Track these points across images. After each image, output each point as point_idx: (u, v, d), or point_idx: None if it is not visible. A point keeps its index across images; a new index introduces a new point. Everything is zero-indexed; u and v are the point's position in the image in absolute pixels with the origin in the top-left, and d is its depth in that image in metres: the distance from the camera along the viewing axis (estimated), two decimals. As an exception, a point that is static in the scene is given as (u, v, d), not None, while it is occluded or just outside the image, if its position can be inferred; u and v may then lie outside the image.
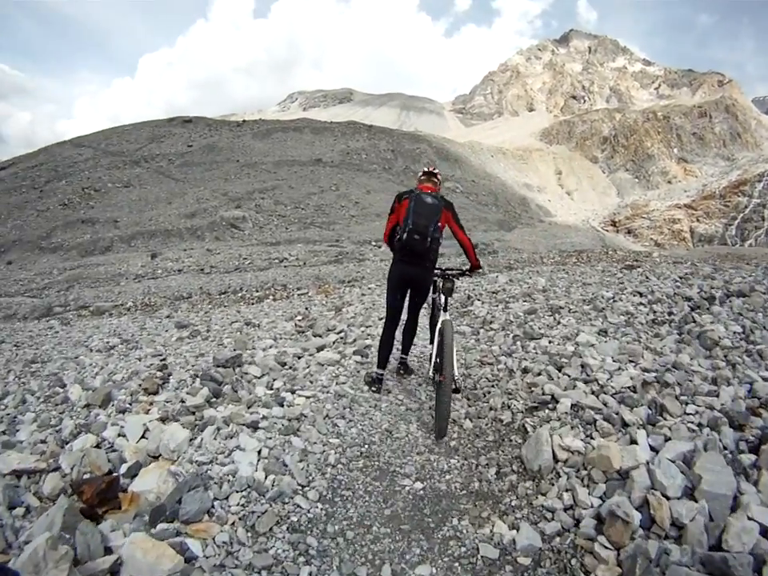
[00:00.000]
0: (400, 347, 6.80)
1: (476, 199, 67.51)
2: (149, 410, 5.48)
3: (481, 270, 7.07)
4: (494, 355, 7.15)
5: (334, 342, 8.13)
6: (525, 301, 10.40)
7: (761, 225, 78.21)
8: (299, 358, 7.23)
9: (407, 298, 6.07)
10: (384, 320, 6.25)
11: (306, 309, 12.54)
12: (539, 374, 5.99)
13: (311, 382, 6.19)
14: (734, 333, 6.72)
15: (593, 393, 5.29)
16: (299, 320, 10.44)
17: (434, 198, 5.62)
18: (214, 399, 5.68)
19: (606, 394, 5.20)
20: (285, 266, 26.63)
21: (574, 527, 3.63)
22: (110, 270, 28.47)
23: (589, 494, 3.81)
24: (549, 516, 3.83)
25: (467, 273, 6.25)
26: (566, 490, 3.95)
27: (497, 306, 10.33)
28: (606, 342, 6.87)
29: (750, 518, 3.09)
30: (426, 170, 6.26)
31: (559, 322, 8.28)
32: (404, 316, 6.30)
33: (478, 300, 11.12)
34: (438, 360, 5.42)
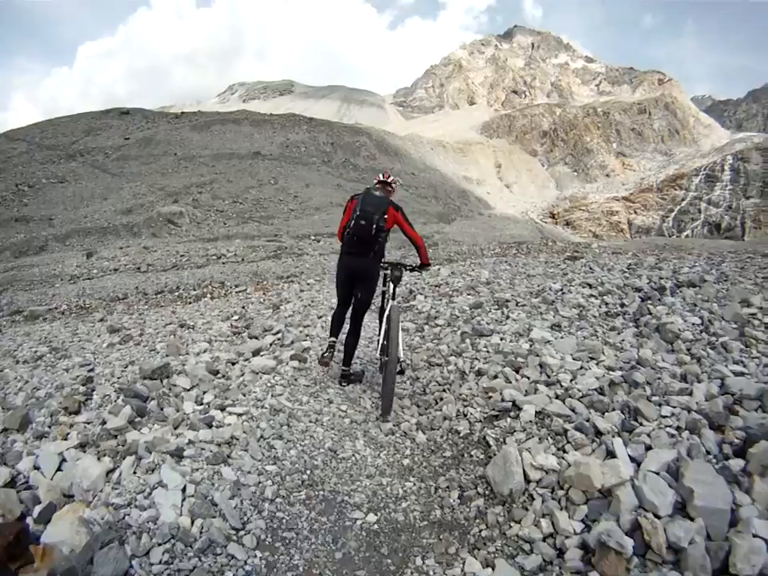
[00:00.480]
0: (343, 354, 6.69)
1: (416, 192, 67.49)
2: (67, 434, 5.00)
3: (430, 268, 6.73)
4: (443, 355, 6.80)
5: (270, 344, 7.65)
6: (469, 294, 10.04)
7: (697, 217, 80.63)
8: (233, 364, 6.75)
9: (352, 297, 6.36)
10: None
11: (243, 308, 12.07)
12: (495, 377, 5.58)
13: (244, 395, 5.65)
14: (693, 324, 6.52)
15: (557, 397, 4.90)
16: (235, 320, 10.08)
17: (382, 194, 6.09)
18: (139, 419, 5.14)
19: (572, 397, 4.81)
20: (223, 263, 25.98)
21: (557, 559, 3.21)
22: (44, 270, 27.36)
23: (569, 517, 3.42)
24: (527, 548, 3.38)
25: (416, 269, 6.53)
26: (543, 515, 3.53)
27: (440, 300, 9.93)
28: (562, 338, 6.53)
29: (755, 536, 2.78)
30: (380, 177, 6.54)
31: (508, 317, 7.86)
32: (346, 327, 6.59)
33: (420, 294, 10.76)
34: (384, 342, 5.92)
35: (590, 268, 11.84)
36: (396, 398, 5.90)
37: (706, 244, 36.35)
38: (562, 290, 9.17)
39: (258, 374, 6.29)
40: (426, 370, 6.59)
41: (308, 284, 14.97)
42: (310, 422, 5.34)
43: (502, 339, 6.80)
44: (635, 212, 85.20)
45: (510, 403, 4.89)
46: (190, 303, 14.95)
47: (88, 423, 5.15)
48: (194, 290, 18.43)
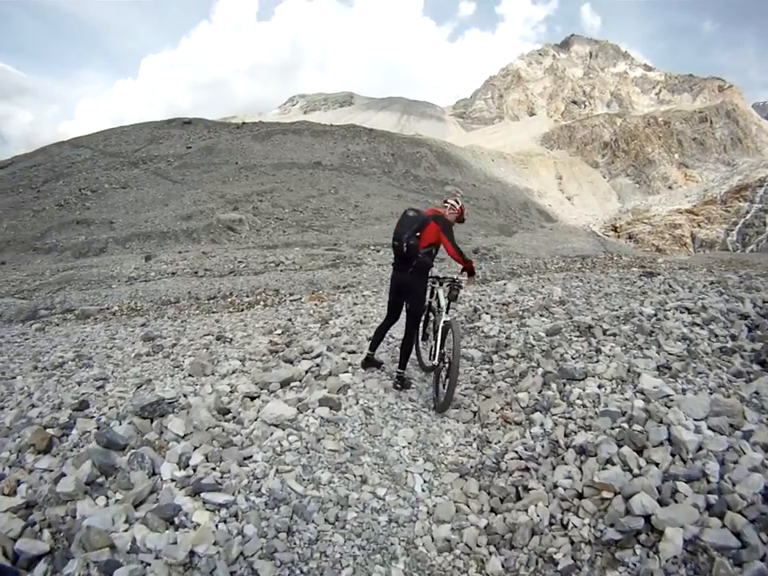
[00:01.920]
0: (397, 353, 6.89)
1: (476, 203, 66.89)
2: (14, 490, 4.32)
3: (478, 277, 6.71)
4: (522, 407, 5.73)
5: (306, 372, 6.81)
6: (542, 315, 8.96)
7: (762, 230, 77.64)
8: (252, 399, 5.96)
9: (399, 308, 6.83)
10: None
11: (290, 320, 11.53)
12: (609, 462, 4.23)
13: (240, 465, 4.52)
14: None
15: (709, 509, 3.57)
16: (278, 334, 9.60)
17: (417, 212, 6.47)
18: (102, 479, 4.30)
19: (732, 510, 3.48)
20: (281, 270, 26.00)
21: None
22: (102, 272, 28.00)
23: None
24: None
25: (459, 279, 6.76)
26: None
27: (510, 322, 8.87)
28: (683, 390, 5.28)
29: None
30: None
31: (599, 350, 6.63)
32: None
33: (486, 313, 9.73)
34: (441, 351, 6.27)
35: (670, 286, 10.88)
36: (458, 471, 5.07)
37: (773, 259, 35.20)
38: (656, 315, 7.79)
39: (270, 425, 5.24)
40: (500, 430, 5.56)
41: (363, 296, 14.48)
42: (327, 522, 4.10)
43: (601, 388, 5.59)
44: (699, 225, 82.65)
45: (642, 519, 3.58)
46: (242, 310, 14.80)
47: (44, 475, 4.50)
48: (248, 296, 18.45)
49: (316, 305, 13.41)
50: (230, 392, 6.21)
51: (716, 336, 6.79)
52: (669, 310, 7.99)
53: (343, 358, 7.32)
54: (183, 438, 4.99)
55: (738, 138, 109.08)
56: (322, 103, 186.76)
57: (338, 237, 39.69)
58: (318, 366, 6.99)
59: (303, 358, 7.42)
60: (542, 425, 5.22)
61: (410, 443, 5.48)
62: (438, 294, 6.79)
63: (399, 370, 6.67)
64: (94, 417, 5.85)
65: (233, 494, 4.08)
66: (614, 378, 5.74)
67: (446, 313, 6.49)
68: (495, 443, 5.35)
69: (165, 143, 66.17)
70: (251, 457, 4.67)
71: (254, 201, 48.06)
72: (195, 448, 4.76)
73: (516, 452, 4.95)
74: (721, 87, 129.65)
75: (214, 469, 4.46)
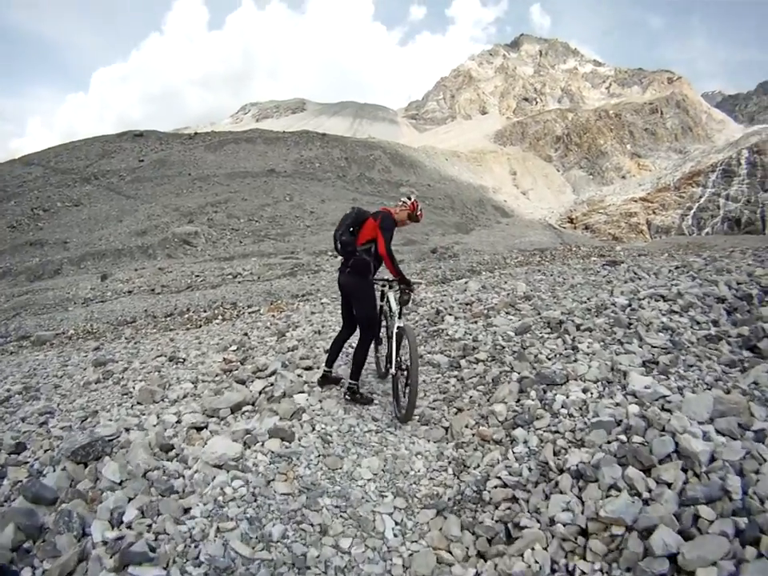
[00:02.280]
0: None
1: (432, 203, 66.88)
2: None
3: (419, 286, 6.35)
4: (500, 421, 5.11)
5: (260, 393, 6.31)
6: (509, 313, 8.51)
7: (716, 213, 79.32)
8: (198, 430, 5.38)
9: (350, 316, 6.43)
10: None
11: (246, 334, 11.01)
12: (613, 488, 3.62)
13: (177, 522, 3.84)
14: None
15: (739, 535, 3.00)
16: (233, 350, 9.16)
17: (355, 209, 6.20)
18: (29, 544, 3.76)
19: (766, 534, 2.94)
20: (238, 282, 25.48)
21: None
22: (58, 294, 27.27)
23: None
24: None
25: (393, 282, 6.38)
26: None
27: (475, 322, 8.34)
28: (679, 389, 4.79)
29: None
30: None
31: (576, 348, 6.15)
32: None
33: (450, 314, 9.15)
34: (399, 358, 5.81)
35: (635, 273, 10.56)
36: (434, 507, 4.39)
37: (728, 240, 35.67)
38: (630, 305, 7.34)
39: (213, 467, 4.50)
40: (478, 450, 4.87)
41: (321, 303, 13.97)
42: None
43: (586, 392, 5.02)
44: (654, 212, 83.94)
45: (667, 561, 2.98)
46: (199, 326, 14.31)
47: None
48: (205, 311, 17.95)
49: (273, 316, 13.00)
50: (176, 422, 5.65)
51: (698, 323, 6.44)
52: (643, 299, 7.54)
53: (299, 375, 6.79)
54: (120, 485, 4.35)
55: (688, 126, 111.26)
56: (274, 111, 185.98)
57: (295, 244, 39.28)
58: (272, 385, 6.45)
59: (257, 377, 6.94)
60: (525, 442, 4.59)
61: (375, 474, 4.80)
62: (388, 297, 6.37)
63: (351, 381, 6.17)
64: (28, 461, 5.21)
65: (166, 566, 3.41)
66: (598, 379, 5.24)
67: (399, 318, 6.03)
68: (474, 467, 4.67)
69: (117, 157, 65.08)
70: (190, 510, 3.99)
71: (208, 212, 47.39)
72: (130, 499, 4.14)
73: (500, 478, 4.28)
74: (670, 79, 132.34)
75: (149, 527, 3.80)
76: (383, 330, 6.76)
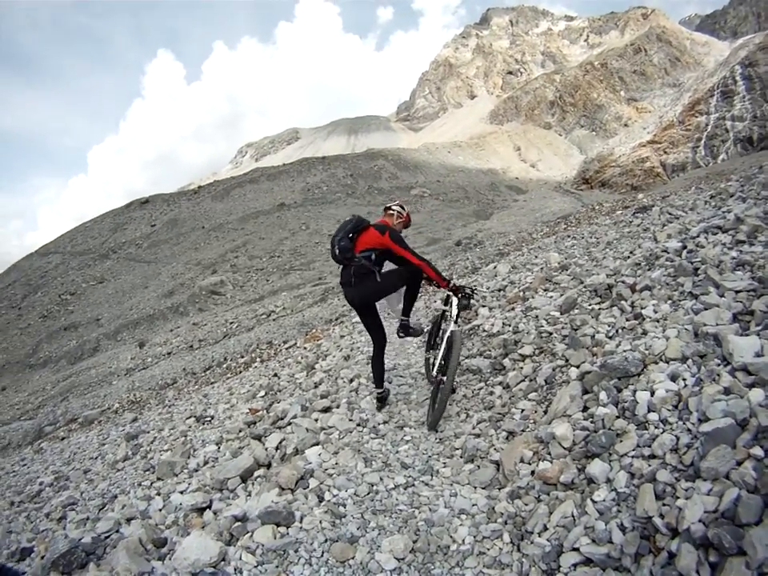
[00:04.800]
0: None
1: (446, 198, 66.55)
2: None
3: (465, 291, 5.88)
4: (565, 448, 3.85)
5: (275, 450, 5.50)
6: (547, 290, 7.58)
7: (727, 137, 77.60)
8: (201, 512, 4.62)
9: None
10: None
11: (276, 375, 10.19)
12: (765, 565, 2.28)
13: None
14: None
15: None
16: (261, 396, 8.54)
17: (354, 216, 5.93)
18: None
19: None
20: (273, 320, 25.22)
21: None
22: (101, 371, 27.50)
23: None
24: None
25: (472, 287, 6.18)
26: None
27: (512, 309, 7.45)
28: None
29: None
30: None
31: (639, 315, 5.00)
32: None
33: (483, 306, 8.35)
34: (443, 363, 5.50)
35: (670, 214, 9.76)
36: None
37: (746, 161, 34.58)
38: (685, 246, 6.13)
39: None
40: (542, 500, 3.64)
41: (352, 324, 13.12)
42: None
43: (675, 379, 3.71)
44: (665, 152, 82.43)
45: None
46: (239, 373, 13.94)
47: None
48: (242, 357, 17.53)
49: (305, 348, 12.51)
50: (180, 504, 4.86)
51: None
52: (697, 236, 6.37)
53: (315, 420, 6.01)
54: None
55: (675, 57, 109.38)
56: (270, 146, 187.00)
57: (321, 270, 39.23)
58: (283, 442, 5.64)
59: (276, 427, 6.22)
60: (609, 482, 3.32)
61: (401, 560, 3.56)
62: (452, 301, 5.87)
63: (378, 390, 6.18)
64: (26, 571, 4.39)
65: None
66: (686, 356, 3.93)
67: (455, 322, 5.68)
68: (539, 532, 3.40)
69: (129, 228, 65.88)
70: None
71: (230, 259, 47.61)
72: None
73: (578, 551, 3.05)
74: (644, 14, 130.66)
75: None
76: (440, 334, 6.22)
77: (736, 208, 7.07)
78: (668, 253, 6.23)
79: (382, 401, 6.20)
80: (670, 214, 9.92)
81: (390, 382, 7.01)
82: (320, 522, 3.95)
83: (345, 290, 5.95)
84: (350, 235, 5.75)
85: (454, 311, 5.72)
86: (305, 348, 12.57)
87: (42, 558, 4.45)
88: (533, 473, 3.87)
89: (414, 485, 4.46)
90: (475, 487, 4.24)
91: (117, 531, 4.46)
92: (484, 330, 7.05)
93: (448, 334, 5.56)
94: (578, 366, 4.77)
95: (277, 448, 5.51)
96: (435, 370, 5.67)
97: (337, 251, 5.70)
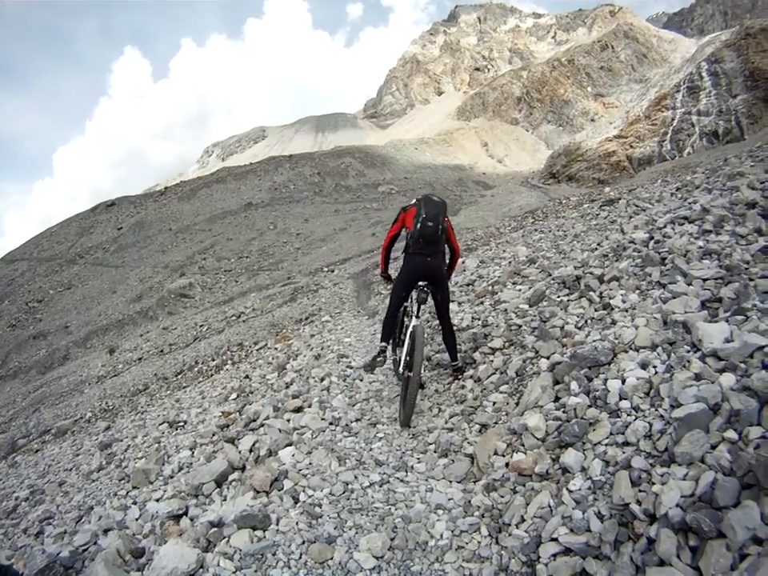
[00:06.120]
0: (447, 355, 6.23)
1: (414, 194, 65.93)
2: None
3: (424, 288, 5.90)
4: (538, 438, 3.89)
5: (249, 453, 5.35)
6: (516, 283, 7.68)
7: (692, 132, 78.28)
8: (177, 519, 4.46)
9: (430, 301, 6.01)
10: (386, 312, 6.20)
11: (247, 377, 10.15)
12: (744, 548, 2.31)
13: None
14: None
15: None
16: (233, 399, 8.46)
17: (440, 199, 6.02)
18: None
19: None
20: (243, 321, 24.87)
21: None
22: (72, 379, 26.83)
23: None
24: None
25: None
26: None
27: (481, 303, 7.64)
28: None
29: None
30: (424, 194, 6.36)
31: (608, 306, 5.08)
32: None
33: (451, 301, 7.95)
34: (408, 358, 5.59)
35: (637, 206, 9.81)
36: None
37: (711, 154, 35.04)
38: (652, 237, 6.20)
39: None
40: (518, 491, 3.66)
41: (322, 323, 13.29)
42: None
43: (646, 367, 3.75)
44: (631, 146, 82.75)
45: None
46: (210, 376, 13.76)
47: None
48: (213, 359, 17.22)
49: (276, 348, 12.43)
50: (155, 514, 4.69)
51: (741, 237, 5.24)
52: (664, 227, 6.46)
53: (288, 420, 5.87)
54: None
55: (642, 54, 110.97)
56: (237, 145, 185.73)
57: (290, 269, 38.96)
58: (256, 445, 5.48)
59: (249, 430, 6.08)
60: (584, 470, 3.32)
61: (380, 558, 3.52)
62: (412, 296, 6.11)
63: (453, 362, 6.18)
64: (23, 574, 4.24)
65: None
66: (655, 343, 3.96)
67: (417, 317, 5.91)
68: (516, 524, 3.40)
69: (95, 232, 65.04)
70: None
71: (198, 261, 47.24)
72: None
73: (557, 540, 3.03)
74: (612, 12, 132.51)
75: None
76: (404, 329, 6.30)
77: (702, 199, 7.15)
78: (635, 244, 6.32)
79: (374, 360, 6.03)
80: (636, 206, 10.03)
81: (360, 380, 7.02)
82: (296, 523, 3.88)
83: (422, 259, 5.88)
84: (445, 218, 5.91)
85: (414, 306, 5.93)
86: (275, 348, 12.49)
87: (21, 575, 4.25)
88: (507, 465, 3.87)
89: (389, 482, 4.44)
90: (450, 481, 4.25)
91: (94, 543, 4.37)
92: (453, 325, 6.68)
93: (410, 329, 5.72)
94: (548, 357, 4.78)
95: (250, 450, 5.40)
96: (402, 366, 5.76)
97: (440, 230, 5.78)
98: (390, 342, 6.36)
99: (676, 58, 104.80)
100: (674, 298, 4.45)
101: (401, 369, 5.82)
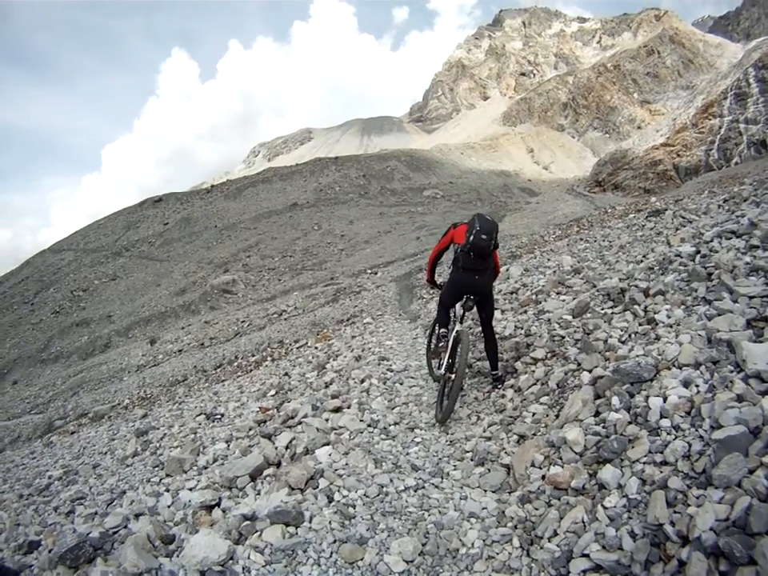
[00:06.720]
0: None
1: (459, 200, 66.40)
2: None
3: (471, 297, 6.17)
4: (576, 452, 3.87)
5: (285, 449, 5.36)
6: (560, 293, 7.62)
7: (740, 141, 76.56)
8: (209, 509, 4.50)
9: (473, 311, 6.27)
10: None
11: (287, 374, 10.15)
12: None
13: None
14: None
15: None
16: (271, 395, 8.47)
17: (492, 218, 6.07)
18: None
19: None
20: (284, 319, 25.12)
21: None
22: (111, 367, 27.63)
23: None
24: None
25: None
26: None
27: (524, 312, 7.56)
28: None
29: None
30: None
31: (653, 320, 4.96)
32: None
33: (495, 309, 7.87)
34: (450, 360, 5.85)
35: (683, 218, 9.69)
36: None
37: (760, 165, 34.30)
38: (698, 251, 6.09)
39: (200, 573, 3.49)
40: (552, 505, 3.65)
41: (364, 324, 13.35)
42: None
43: (688, 386, 3.70)
44: (678, 155, 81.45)
45: None
46: (249, 371, 13.91)
47: None
48: (253, 355, 17.48)
49: (316, 347, 12.55)
50: (187, 503, 4.76)
51: None
52: (711, 241, 6.33)
53: (326, 419, 5.92)
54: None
55: (688, 59, 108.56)
56: (283, 146, 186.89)
57: (333, 270, 39.22)
58: (294, 441, 5.52)
59: (286, 427, 6.06)
60: (620, 488, 3.31)
61: (410, 562, 3.54)
62: (461, 304, 6.23)
63: (494, 372, 6.20)
64: (33, 564, 4.45)
65: None
66: (699, 362, 3.89)
67: (461, 322, 6.10)
68: (549, 537, 3.40)
69: (142, 226, 66.21)
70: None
71: (242, 258, 47.83)
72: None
73: (588, 557, 3.03)
74: (657, 16, 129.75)
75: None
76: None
77: (750, 212, 7.08)
78: (681, 257, 6.20)
79: (499, 380, 6.19)
80: (683, 217, 9.90)
81: (400, 383, 7.08)
82: (329, 522, 3.92)
83: (470, 276, 5.94)
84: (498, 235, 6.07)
85: (459, 311, 6.20)
86: (316, 348, 12.55)
87: (50, 551, 4.44)
88: (543, 477, 3.85)
89: (424, 487, 4.44)
90: (485, 491, 4.23)
91: (125, 527, 4.39)
92: (496, 333, 6.72)
93: (454, 333, 5.94)
94: (590, 371, 4.74)
95: (287, 447, 5.42)
96: (444, 368, 5.87)
97: (492, 245, 5.90)
98: (428, 350, 6.91)
99: (723, 64, 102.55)
100: (720, 315, 4.35)
101: (442, 370, 5.90)
